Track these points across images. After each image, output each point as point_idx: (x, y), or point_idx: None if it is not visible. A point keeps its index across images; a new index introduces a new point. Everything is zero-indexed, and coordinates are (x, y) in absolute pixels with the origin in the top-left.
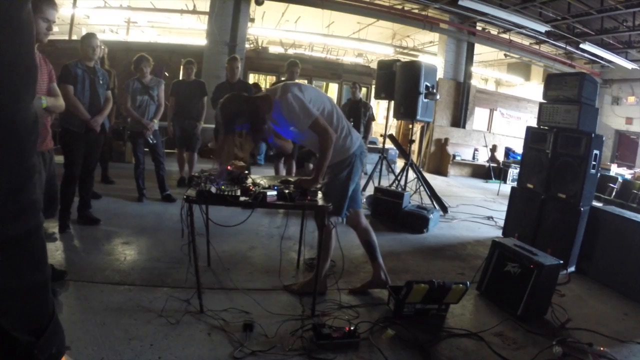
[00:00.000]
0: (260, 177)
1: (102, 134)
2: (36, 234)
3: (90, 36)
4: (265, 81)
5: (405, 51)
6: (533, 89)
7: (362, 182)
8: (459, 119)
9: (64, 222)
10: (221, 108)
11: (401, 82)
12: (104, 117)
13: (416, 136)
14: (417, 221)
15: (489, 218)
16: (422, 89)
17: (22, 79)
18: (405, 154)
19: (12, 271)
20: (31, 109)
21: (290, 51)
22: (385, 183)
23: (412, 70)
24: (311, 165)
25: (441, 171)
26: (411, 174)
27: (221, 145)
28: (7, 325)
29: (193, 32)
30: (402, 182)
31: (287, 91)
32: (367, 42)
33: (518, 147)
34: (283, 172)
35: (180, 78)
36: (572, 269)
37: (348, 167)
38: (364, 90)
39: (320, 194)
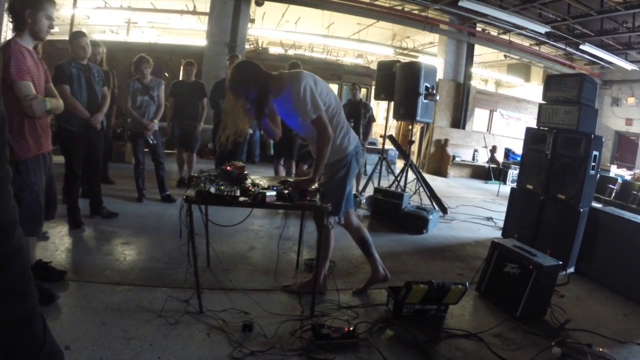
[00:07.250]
0: (259, 177)
1: (101, 132)
2: (8, 262)
3: (78, 35)
4: None
5: (405, 52)
6: (533, 90)
7: (362, 183)
8: (459, 120)
9: (76, 220)
10: (234, 67)
11: (401, 83)
12: (104, 113)
13: (416, 137)
14: (417, 222)
15: (489, 219)
16: (422, 90)
17: None
18: (405, 154)
19: None
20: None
21: (291, 52)
22: (384, 184)
23: (412, 71)
24: (305, 167)
25: (441, 172)
26: (411, 175)
27: (227, 109)
28: None
29: (193, 33)
30: (402, 183)
31: (302, 80)
32: (367, 43)
33: (518, 148)
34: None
35: (180, 79)
36: (571, 269)
37: (345, 167)
38: (363, 91)
39: (319, 195)
